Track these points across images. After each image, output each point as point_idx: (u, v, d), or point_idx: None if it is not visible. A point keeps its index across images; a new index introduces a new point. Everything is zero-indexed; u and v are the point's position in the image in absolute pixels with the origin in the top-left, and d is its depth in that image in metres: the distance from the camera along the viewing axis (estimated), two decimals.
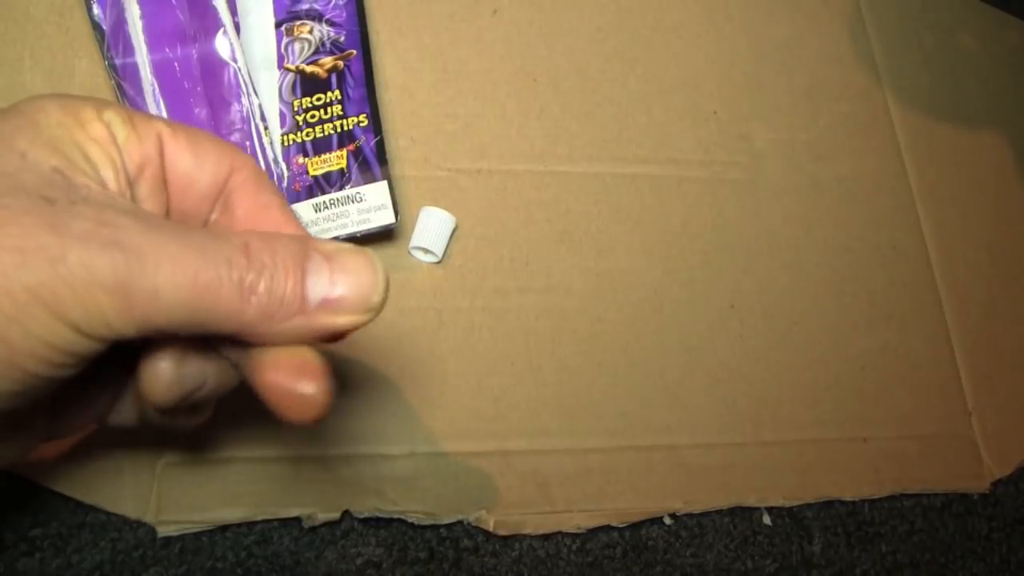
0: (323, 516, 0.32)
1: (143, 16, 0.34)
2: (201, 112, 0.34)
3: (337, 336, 0.21)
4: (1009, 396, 0.40)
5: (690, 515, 0.36)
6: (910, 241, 0.42)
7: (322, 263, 0.20)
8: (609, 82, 0.41)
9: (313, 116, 0.35)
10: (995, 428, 0.40)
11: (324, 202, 0.34)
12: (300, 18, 0.36)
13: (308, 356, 0.20)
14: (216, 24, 0.34)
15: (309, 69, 0.36)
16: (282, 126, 0.35)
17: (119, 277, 0.17)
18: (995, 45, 0.47)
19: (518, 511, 0.34)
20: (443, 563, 0.33)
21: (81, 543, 0.31)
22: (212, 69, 0.34)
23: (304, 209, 0.33)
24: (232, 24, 0.34)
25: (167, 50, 0.34)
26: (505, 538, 0.34)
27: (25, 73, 0.35)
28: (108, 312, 0.17)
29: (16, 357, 0.17)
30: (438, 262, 0.36)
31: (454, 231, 0.36)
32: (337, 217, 0.34)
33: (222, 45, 0.34)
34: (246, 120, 0.34)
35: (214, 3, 0.34)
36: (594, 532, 0.34)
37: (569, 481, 0.34)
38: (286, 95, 0.35)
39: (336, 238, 0.33)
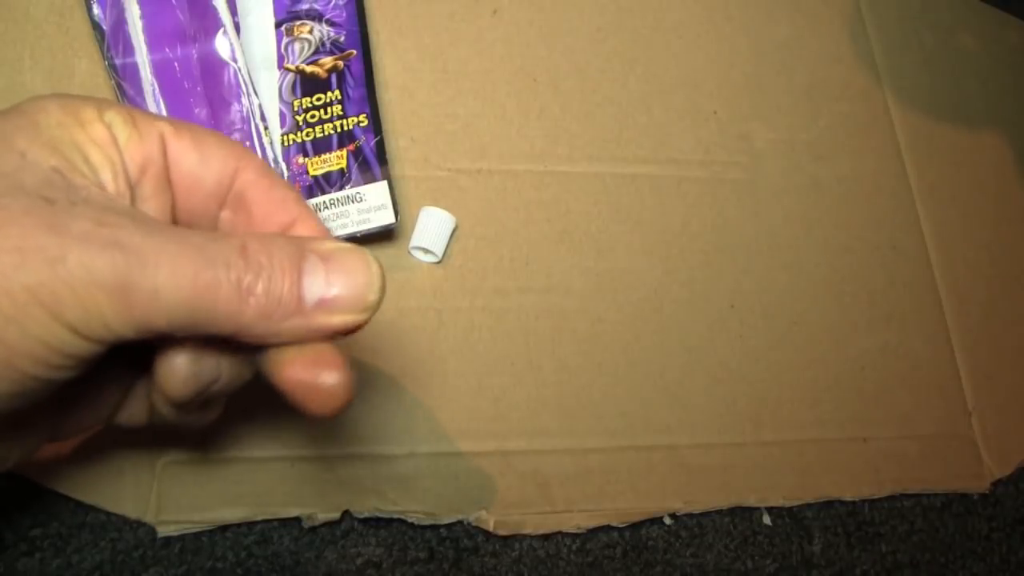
0: (323, 516, 0.32)
1: (143, 16, 0.34)
2: (201, 112, 0.34)
3: (337, 335, 0.21)
4: (1009, 396, 0.40)
5: (690, 515, 0.36)
6: (910, 241, 0.42)
7: (317, 264, 0.20)
8: (609, 82, 0.41)
9: (313, 116, 0.35)
10: (995, 428, 0.40)
11: (324, 202, 0.34)
12: (300, 18, 0.36)
13: (324, 347, 0.20)
14: (216, 24, 0.34)
15: (309, 69, 0.36)
16: (282, 126, 0.35)
17: (119, 278, 0.17)
18: (995, 45, 0.47)
19: (518, 511, 0.34)
20: (443, 563, 0.33)
21: (81, 543, 0.31)
22: (212, 69, 0.34)
23: None
24: (232, 24, 0.34)
25: (167, 50, 0.34)
26: (505, 538, 0.34)
27: (25, 73, 0.35)
28: (107, 313, 0.17)
29: (13, 358, 0.17)
30: (438, 262, 0.36)
31: (454, 231, 0.36)
32: (337, 217, 0.34)
33: (222, 45, 0.34)
34: (246, 120, 0.34)
35: (214, 3, 0.34)
36: (594, 532, 0.34)
37: (569, 481, 0.34)
38: (286, 95, 0.35)
39: (336, 238, 0.33)
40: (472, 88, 0.39)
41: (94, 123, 0.19)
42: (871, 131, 0.43)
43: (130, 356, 0.21)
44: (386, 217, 0.34)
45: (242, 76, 0.34)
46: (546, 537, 0.34)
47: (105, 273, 0.17)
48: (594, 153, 0.39)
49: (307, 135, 0.35)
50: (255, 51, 0.36)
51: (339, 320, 0.20)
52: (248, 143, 0.34)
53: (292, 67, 0.36)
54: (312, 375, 0.20)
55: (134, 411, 0.24)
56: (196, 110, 0.34)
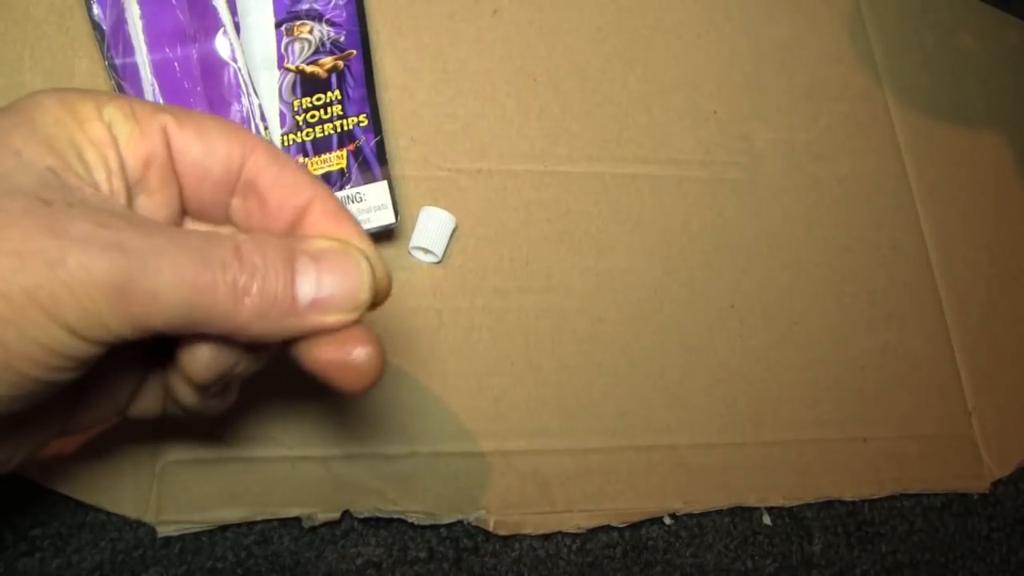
0: (323, 516, 0.32)
1: (143, 16, 0.34)
2: None
3: (333, 331, 0.21)
4: (1009, 396, 0.40)
5: (690, 515, 0.36)
6: (910, 241, 0.42)
7: (309, 264, 0.20)
8: (609, 82, 0.41)
9: (313, 116, 0.35)
10: (995, 428, 0.40)
11: None
12: (300, 18, 0.36)
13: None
14: (216, 24, 0.34)
15: (309, 69, 0.36)
16: (282, 126, 0.35)
17: (119, 279, 0.17)
18: (995, 45, 0.47)
19: (518, 511, 0.34)
20: (443, 563, 0.33)
21: (81, 543, 0.31)
22: (212, 69, 0.34)
23: None
24: (232, 24, 0.34)
25: (167, 50, 0.34)
26: (505, 538, 0.34)
27: (25, 73, 0.35)
28: (105, 314, 0.17)
29: (12, 360, 0.17)
30: (438, 262, 0.36)
31: (454, 231, 0.36)
32: None
33: (222, 45, 0.34)
34: (246, 120, 0.34)
35: (214, 3, 0.34)
36: (594, 532, 0.34)
37: (569, 481, 0.34)
38: (286, 95, 0.35)
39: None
40: (472, 88, 0.39)
41: (92, 121, 0.19)
42: (871, 131, 0.43)
43: (143, 349, 0.21)
44: (386, 217, 0.34)
45: (242, 76, 0.34)
46: (546, 537, 0.34)
47: (105, 275, 0.17)
48: (594, 153, 0.39)
49: (307, 135, 0.35)
50: (255, 51, 0.36)
51: (333, 319, 0.20)
52: None
53: (292, 67, 0.36)
54: (343, 353, 0.20)
55: (148, 403, 0.24)
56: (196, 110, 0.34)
